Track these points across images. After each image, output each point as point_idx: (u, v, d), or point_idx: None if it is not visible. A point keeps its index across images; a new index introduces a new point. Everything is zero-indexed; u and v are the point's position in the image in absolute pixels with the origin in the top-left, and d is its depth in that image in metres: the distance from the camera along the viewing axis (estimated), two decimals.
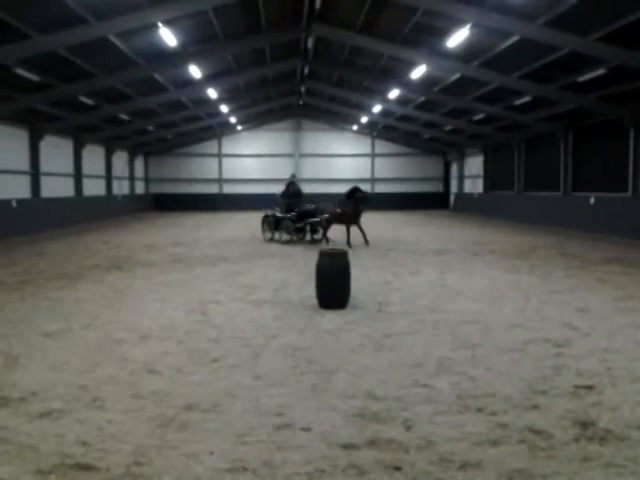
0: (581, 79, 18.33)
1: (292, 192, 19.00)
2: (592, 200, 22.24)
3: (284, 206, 18.67)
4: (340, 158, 42.60)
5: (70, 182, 27.93)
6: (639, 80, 17.06)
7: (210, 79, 23.97)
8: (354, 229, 17.47)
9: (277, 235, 18.98)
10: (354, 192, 16.97)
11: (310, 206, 18.45)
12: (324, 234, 17.78)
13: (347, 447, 4.03)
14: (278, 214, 18.84)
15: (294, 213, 18.23)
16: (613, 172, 21.29)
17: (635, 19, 13.24)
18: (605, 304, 8.84)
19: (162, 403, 4.85)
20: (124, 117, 27.89)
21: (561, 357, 6.12)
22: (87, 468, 3.72)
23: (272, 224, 19.02)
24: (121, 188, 35.48)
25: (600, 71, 17.27)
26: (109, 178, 33.07)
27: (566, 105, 21.79)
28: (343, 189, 41.64)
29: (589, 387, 5.19)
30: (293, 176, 20.88)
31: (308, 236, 18.86)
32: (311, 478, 3.61)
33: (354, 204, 16.89)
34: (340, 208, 16.96)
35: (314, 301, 8.84)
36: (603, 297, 9.38)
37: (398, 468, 3.73)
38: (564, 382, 5.34)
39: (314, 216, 17.93)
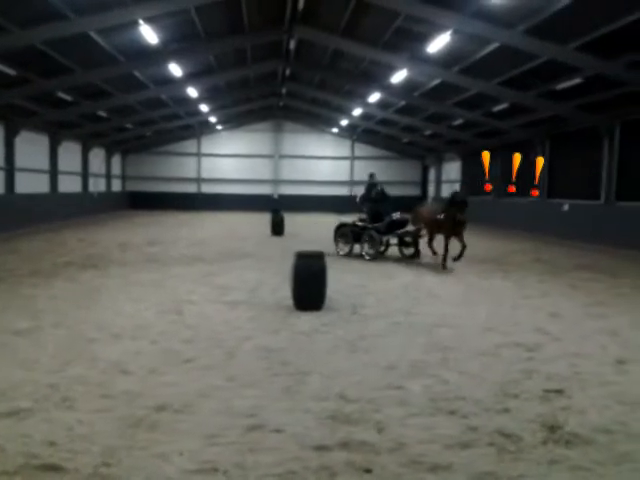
0: (558, 87, 18.59)
1: (376, 195, 15.46)
2: (566, 207, 22.56)
3: (369, 213, 15.21)
4: (320, 160, 42.61)
5: (45, 178, 27.50)
6: (615, 89, 17.35)
7: (190, 78, 23.81)
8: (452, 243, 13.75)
9: (357, 248, 15.36)
10: (454, 198, 13.33)
11: (396, 215, 15.04)
12: (428, 245, 14.47)
13: (319, 449, 4.03)
14: (359, 223, 15.43)
15: (382, 222, 14.78)
16: (587, 180, 21.61)
17: (612, 30, 13.48)
18: (576, 310, 8.97)
19: (133, 403, 4.81)
20: (102, 114, 27.55)
21: (532, 361, 6.20)
22: (54, 469, 3.66)
23: (350, 236, 15.46)
24: (97, 185, 35.05)
25: (577, 80, 17.53)
26: (85, 175, 32.64)
27: (543, 112, 22.07)
28: (322, 191, 42.24)
29: (558, 391, 5.27)
30: (372, 176, 16.45)
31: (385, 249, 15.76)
32: (282, 479, 3.60)
33: (454, 210, 13.00)
34: (445, 213, 13.14)
35: (289, 302, 8.83)
36: (574, 303, 9.52)
37: (369, 470, 3.74)
38: (534, 386, 5.41)
39: (405, 226, 15.01)
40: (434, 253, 14.38)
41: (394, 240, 15.34)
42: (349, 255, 15.23)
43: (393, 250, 15.75)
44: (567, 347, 6.79)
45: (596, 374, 5.78)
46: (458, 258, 13.06)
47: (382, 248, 15.24)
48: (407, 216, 15.17)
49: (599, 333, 7.49)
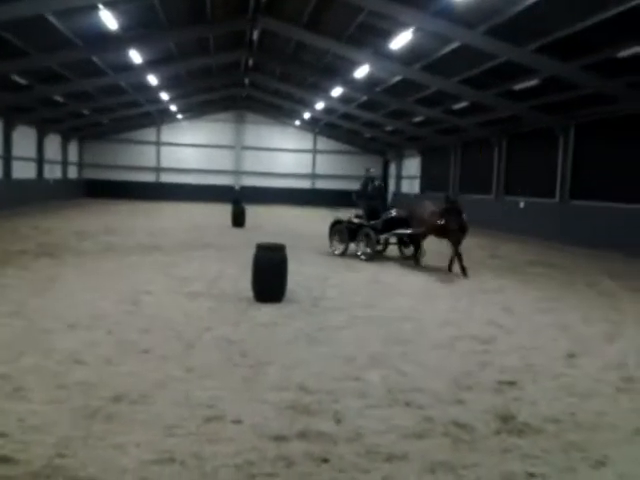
0: (516, 87, 18.99)
1: (372, 192, 14.57)
2: (522, 204, 23.12)
3: (365, 210, 14.21)
4: (282, 153, 42.48)
5: None
6: (570, 91, 17.82)
7: (151, 65, 23.37)
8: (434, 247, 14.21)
9: (352, 247, 14.36)
10: (449, 201, 12.45)
11: (393, 212, 14.18)
12: (417, 249, 13.61)
13: (277, 439, 4.06)
14: (355, 220, 14.42)
15: (379, 220, 13.82)
16: (542, 178, 22.17)
17: (569, 33, 13.83)
18: (529, 304, 9.22)
19: (88, 394, 4.73)
20: (59, 99, 26.81)
21: (486, 354, 6.36)
22: (5, 460, 3.58)
23: (346, 234, 14.38)
24: (53, 172, 34.15)
25: (534, 81, 17.95)
26: (41, 161, 31.77)
27: (501, 112, 22.51)
28: (284, 184, 42.12)
29: (511, 383, 5.42)
30: (368, 170, 15.44)
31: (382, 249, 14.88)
32: (239, 470, 3.61)
33: (458, 216, 12.05)
34: (445, 219, 12.05)
35: (250, 294, 8.81)
36: (528, 298, 9.78)
37: (326, 460, 3.78)
38: (488, 378, 5.55)
39: (405, 225, 13.66)
40: (418, 260, 13.42)
41: (394, 239, 14.37)
42: (344, 254, 14.20)
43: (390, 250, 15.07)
44: (520, 340, 6.98)
45: (547, 367, 5.97)
46: (464, 272, 11.82)
47: (380, 247, 14.46)
48: (404, 213, 14.10)
49: (551, 327, 7.72)
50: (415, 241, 13.61)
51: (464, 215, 12.14)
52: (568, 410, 4.77)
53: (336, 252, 14.52)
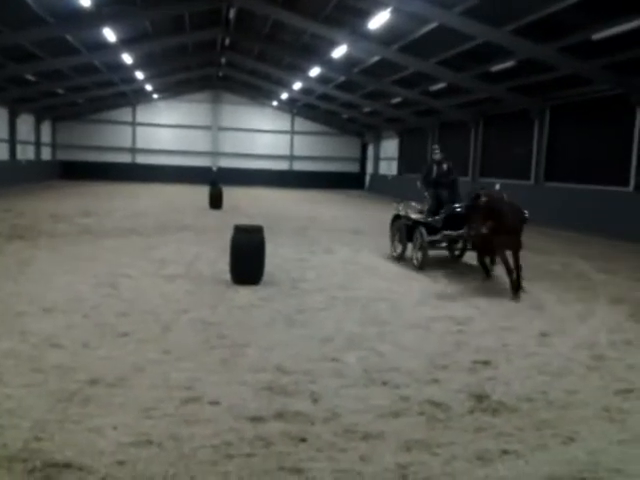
0: (493, 69, 19.06)
1: (439, 177, 11.23)
2: (497, 186, 23.22)
3: (432, 200, 11.12)
4: (259, 134, 42.18)
5: None
6: (546, 73, 17.95)
7: (125, 44, 22.94)
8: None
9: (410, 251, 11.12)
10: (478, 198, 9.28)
11: (455, 205, 10.77)
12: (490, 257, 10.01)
13: (255, 420, 4.09)
14: (414, 215, 11.36)
15: (439, 216, 10.63)
16: (518, 160, 22.38)
17: (544, 15, 13.89)
18: (503, 285, 9.33)
19: (65, 377, 4.71)
20: (30, 78, 26.20)
21: (462, 334, 6.45)
22: None
23: (404, 232, 11.33)
24: (26, 153, 33.49)
25: (510, 62, 18.03)
26: (13, 142, 31.11)
27: (478, 94, 22.60)
28: (262, 165, 41.87)
29: (486, 362, 5.51)
30: (435, 150, 11.75)
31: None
32: (217, 451, 3.64)
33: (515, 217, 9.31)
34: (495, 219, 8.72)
35: (228, 276, 8.79)
36: (502, 278, 9.88)
37: (304, 439, 3.83)
38: (463, 357, 5.64)
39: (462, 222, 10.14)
40: (488, 274, 9.94)
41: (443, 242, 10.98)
42: (401, 259, 11.28)
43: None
44: (495, 321, 7.08)
45: (521, 346, 6.08)
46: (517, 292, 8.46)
47: (453, 251, 11.57)
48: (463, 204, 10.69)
49: (526, 308, 7.84)
50: (484, 248, 9.55)
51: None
52: (540, 389, 4.88)
53: (394, 254, 11.63)
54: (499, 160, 24.13)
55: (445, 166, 11.34)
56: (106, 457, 3.48)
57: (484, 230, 8.56)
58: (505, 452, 3.75)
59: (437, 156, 11.40)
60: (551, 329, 6.78)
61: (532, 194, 20.86)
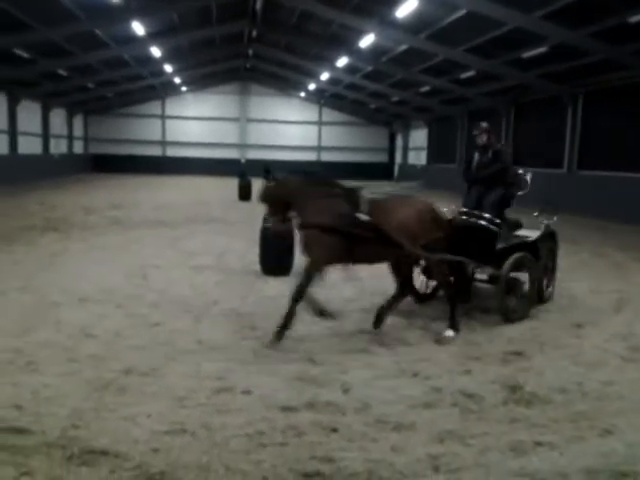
0: (524, 55, 18.69)
1: (480, 168, 7.40)
2: (529, 175, 22.92)
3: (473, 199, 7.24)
4: (287, 125, 42.15)
5: (4, 139, 26.62)
6: (579, 59, 17.54)
7: (153, 37, 23.11)
8: None
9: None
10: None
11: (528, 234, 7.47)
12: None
13: (286, 409, 4.10)
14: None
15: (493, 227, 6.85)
16: (550, 148, 21.95)
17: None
18: None
19: (99, 367, 4.79)
20: (62, 73, 26.62)
21: (494, 325, 6.37)
22: (21, 431, 3.64)
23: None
24: (58, 147, 34.08)
25: (542, 49, 17.65)
26: (46, 136, 31.68)
27: (509, 81, 22.21)
28: (290, 156, 41.80)
29: (519, 353, 5.44)
30: (476, 131, 7.40)
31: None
32: (250, 440, 3.66)
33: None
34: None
35: (257, 267, 8.83)
36: None
37: (335, 429, 3.83)
38: (496, 349, 5.58)
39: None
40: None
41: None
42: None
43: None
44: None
45: (554, 337, 5.98)
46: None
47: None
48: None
49: (558, 298, 7.71)
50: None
51: None
52: (575, 380, 4.79)
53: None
54: (531, 148, 23.71)
55: (490, 153, 7.36)
56: (141, 445, 3.54)
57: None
58: (539, 444, 3.70)
59: (479, 140, 7.41)
60: (585, 320, 6.65)
61: (565, 182, 20.50)
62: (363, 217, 5.57)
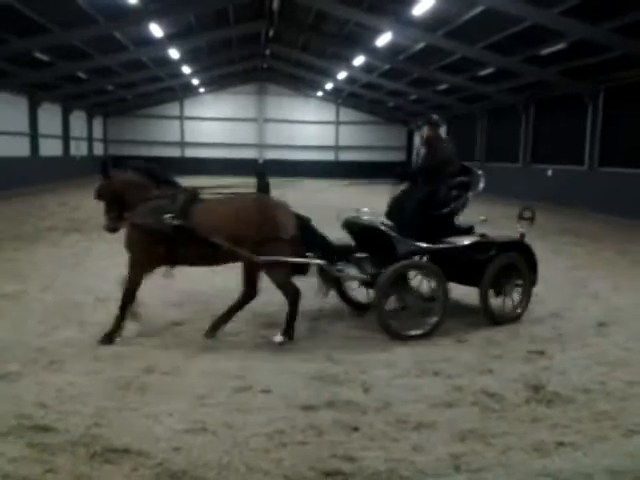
0: (543, 52, 18.50)
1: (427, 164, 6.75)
2: (550, 172, 22.71)
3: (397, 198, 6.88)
4: (305, 125, 42.17)
5: (25, 141, 26.99)
6: (599, 55, 17.31)
7: (171, 39, 23.26)
8: None
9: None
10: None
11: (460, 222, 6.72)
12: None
13: (306, 408, 4.11)
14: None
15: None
16: (571, 145, 21.70)
17: None
18: (559, 273, 9.11)
19: (122, 366, 4.84)
20: (82, 75, 26.93)
21: (515, 323, 6.32)
22: (46, 429, 3.70)
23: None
24: (79, 149, 34.47)
25: (561, 45, 17.44)
26: (66, 138, 32.07)
27: (528, 78, 21.98)
28: (308, 156, 41.83)
29: (541, 352, 5.39)
30: (426, 119, 6.84)
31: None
32: (270, 439, 3.67)
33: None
34: None
35: None
36: (557, 266, 9.66)
37: (356, 428, 3.83)
38: (517, 347, 5.53)
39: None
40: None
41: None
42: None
43: None
44: (550, 310, 6.91)
45: (577, 336, 5.92)
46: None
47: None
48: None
49: (581, 296, 7.64)
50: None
51: None
52: (598, 379, 4.74)
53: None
54: (551, 145, 23.46)
55: (427, 148, 6.78)
56: (162, 443, 3.57)
57: None
58: (562, 444, 3.66)
59: (421, 133, 6.95)
60: (608, 318, 6.57)
61: (586, 180, 20.25)
62: (175, 220, 5.32)
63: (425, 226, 6.15)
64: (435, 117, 6.95)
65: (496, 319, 6.25)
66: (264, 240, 5.46)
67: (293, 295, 5.64)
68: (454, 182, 6.44)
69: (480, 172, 6.66)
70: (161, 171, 6.00)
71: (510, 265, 6.36)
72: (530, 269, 6.56)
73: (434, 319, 5.86)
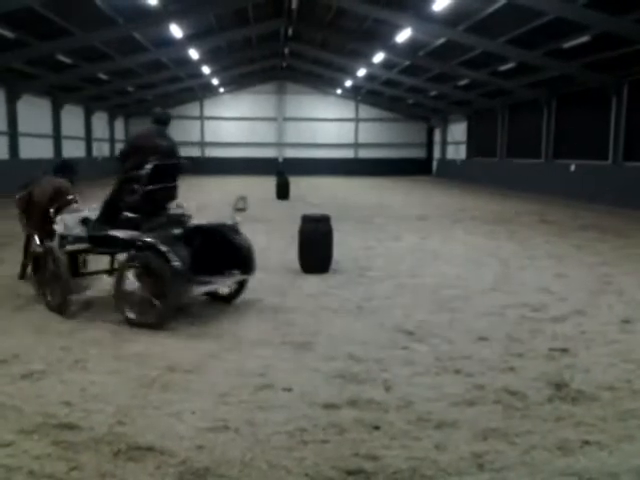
0: (565, 45, 18.27)
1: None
2: (573, 167, 22.41)
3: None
4: (324, 122, 42.18)
5: (49, 143, 27.39)
6: (623, 48, 17.03)
7: (191, 39, 23.45)
8: None
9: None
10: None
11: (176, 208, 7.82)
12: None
13: (328, 407, 4.11)
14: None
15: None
16: (594, 140, 21.40)
17: None
18: (581, 270, 8.99)
19: (145, 364, 4.88)
20: (103, 77, 27.28)
21: (537, 321, 6.25)
22: (70, 427, 3.75)
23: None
24: (101, 150, 34.89)
25: (584, 38, 17.21)
26: (89, 139, 32.50)
27: (550, 72, 21.73)
28: (327, 154, 41.81)
29: (564, 350, 5.32)
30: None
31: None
32: (292, 437, 3.68)
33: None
34: None
35: (296, 266, 8.87)
36: (580, 263, 9.54)
37: (377, 427, 3.81)
38: (540, 345, 5.47)
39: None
40: None
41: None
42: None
43: None
44: (573, 307, 6.82)
45: (601, 333, 5.83)
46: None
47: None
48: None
49: (605, 293, 7.52)
50: None
51: None
52: (623, 377, 4.66)
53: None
54: (574, 140, 23.15)
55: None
56: (185, 441, 3.59)
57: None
58: (587, 442, 3.61)
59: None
60: (633, 315, 6.46)
61: (610, 174, 19.96)
62: None
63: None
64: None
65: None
66: None
67: None
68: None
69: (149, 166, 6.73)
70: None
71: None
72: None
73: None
